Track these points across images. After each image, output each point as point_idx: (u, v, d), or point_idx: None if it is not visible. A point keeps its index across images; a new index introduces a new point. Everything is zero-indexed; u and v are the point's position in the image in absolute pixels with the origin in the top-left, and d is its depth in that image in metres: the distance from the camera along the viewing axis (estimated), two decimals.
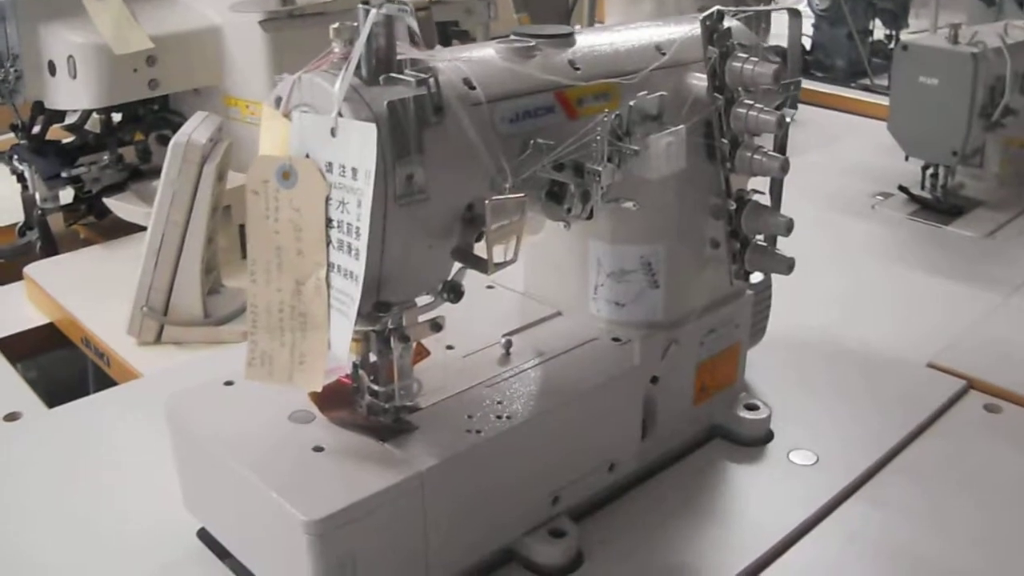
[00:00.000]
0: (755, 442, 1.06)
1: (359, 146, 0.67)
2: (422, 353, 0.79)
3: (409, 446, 0.79)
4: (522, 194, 0.73)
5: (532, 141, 0.77)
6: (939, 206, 1.68)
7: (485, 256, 0.75)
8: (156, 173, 1.49)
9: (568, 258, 0.99)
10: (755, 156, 0.92)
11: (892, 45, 2.48)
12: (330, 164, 0.70)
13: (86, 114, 1.57)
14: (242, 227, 1.46)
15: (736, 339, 1.06)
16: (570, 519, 0.90)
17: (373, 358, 0.80)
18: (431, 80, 0.71)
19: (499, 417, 0.83)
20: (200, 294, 1.24)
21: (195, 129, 1.19)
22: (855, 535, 0.94)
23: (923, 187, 1.71)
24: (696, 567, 0.89)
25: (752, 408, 1.07)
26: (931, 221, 1.65)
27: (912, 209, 1.70)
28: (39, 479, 1.01)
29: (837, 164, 1.95)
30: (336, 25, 0.72)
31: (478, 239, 0.77)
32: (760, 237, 0.99)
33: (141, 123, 1.56)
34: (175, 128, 1.53)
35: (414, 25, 0.70)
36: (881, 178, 1.81)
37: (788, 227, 0.95)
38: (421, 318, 0.77)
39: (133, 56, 1.42)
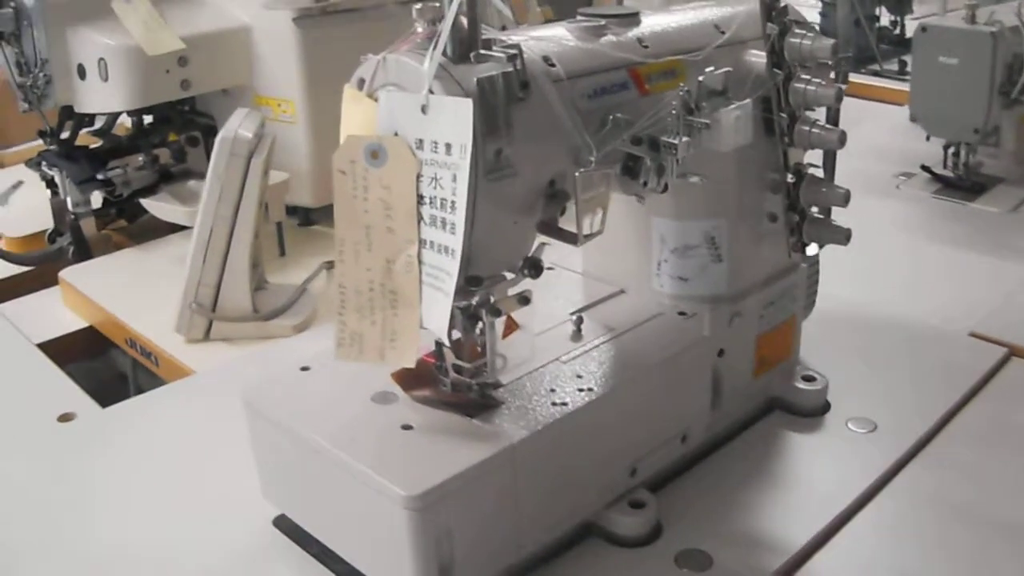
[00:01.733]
0: (813, 412, 1.07)
1: (453, 121, 0.68)
2: (512, 327, 0.80)
3: (497, 421, 0.81)
4: (607, 167, 0.74)
5: (611, 116, 0.78)
6: (962, 184, 1.70)
7: (571, 229, 0.76)
8: (188, 175, 1.52)
9: (629, 237, 1.00)
10: (813, 129, 0.94)
11: (897, 31, 2.51)
12: (420, 141, 0.71)
13: (113, 118, 1.58)
14: (280, 225, 1.48)
15: (791, 312, 1.07)
16: (647, 491, 0.91)
17: (456, 335, 0.81)
18: (517, 57, 0.72)
19: (581, 390, 0.84)
20: (249, 289, 1.25)
21: (240, 124, 1.20)
22: (918, 498, 0.96)
23: (945, 166, 1.73)
24: (769, 533, 0.90)
25: (809, 380, 1.08)
26: (955, 199, 1.67)
27: (935, 188, 1.72)
28: (103, 477, 1.02)
29: (857, 147, 1.94)
30: (419, 6, 0.73)
31: (561, 214, 0.78)
32: (815, 210, 1.01)
33: (172, 125, 1.56)
34: (204, 130, 1.55)
35: (503, 7, 0.71)
36: (902, 159, 1.83)
37: (846, 198, 0.96)
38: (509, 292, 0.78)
39: (165, 57, 1.43)
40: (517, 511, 0.80)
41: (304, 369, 0.89)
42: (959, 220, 1.61)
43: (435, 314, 0.73)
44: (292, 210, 1.57)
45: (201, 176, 1.52)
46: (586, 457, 0.85)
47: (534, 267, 0.80)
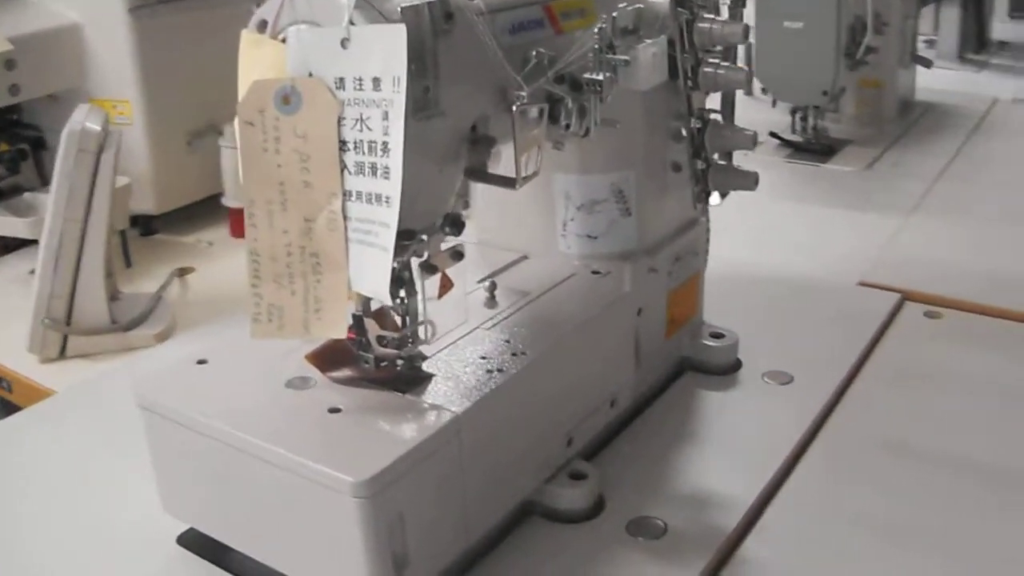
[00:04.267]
0: (726, 370, 1.04)
1: (384, 52, 0.61)
2: (447, 285, 0.73)
3: (432, 393, 0.73)
4: (544, 103, 0.69)
5: (534, 52, 0.73)
6: (812, 147, 1.72)
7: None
8: (18, 190, 1.38)
9: (529, 199, 0.94)
10: (719, 71, 0.91)
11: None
12: (341, 80, 0.63)
13: None
14: (123, 233, 1.36)
15: (696, 268, 1.04)
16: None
17: (375, 306, 0.73)
18: None
19: (514, 354, 0.78)
20: (105, 298, 1.13)
21: (86, 117, 1.08)
22: (850, 441, 0.94)
23: (793, 131, 1.75)
24: (716, 493, 0.86)
25: (718, 336, 1.05)
26: (809, 162, 1.69)
27: (786, 153, 1.74)
28: None
29: None
30: None
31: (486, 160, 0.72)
32: (716, 157, 0.98)
33: (1, 136, 1.42)
34: (32, 142, 1.42)
35: None
36: (748, 127, 1.83)
37: (754, 140, 0.94)
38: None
39: None
40: (464, 492, 0.73)
41: (201, 363, 0.79)
42: (819, 180, 1.63)
43: (371, 274, 0.65)
44: (133, 219, 1.45)
45: (33, 189, 1.40)
46: (525, 427, 0.79)
47: (455, 224, 0.73)
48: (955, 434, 0.94)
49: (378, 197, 0.64)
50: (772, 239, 1.39)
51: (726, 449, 0.92)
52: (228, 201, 1.44)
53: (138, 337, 1.16)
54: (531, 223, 0.96)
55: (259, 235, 0.68)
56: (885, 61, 1.80)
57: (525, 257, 0.96)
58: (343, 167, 0.65)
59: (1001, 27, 2.65)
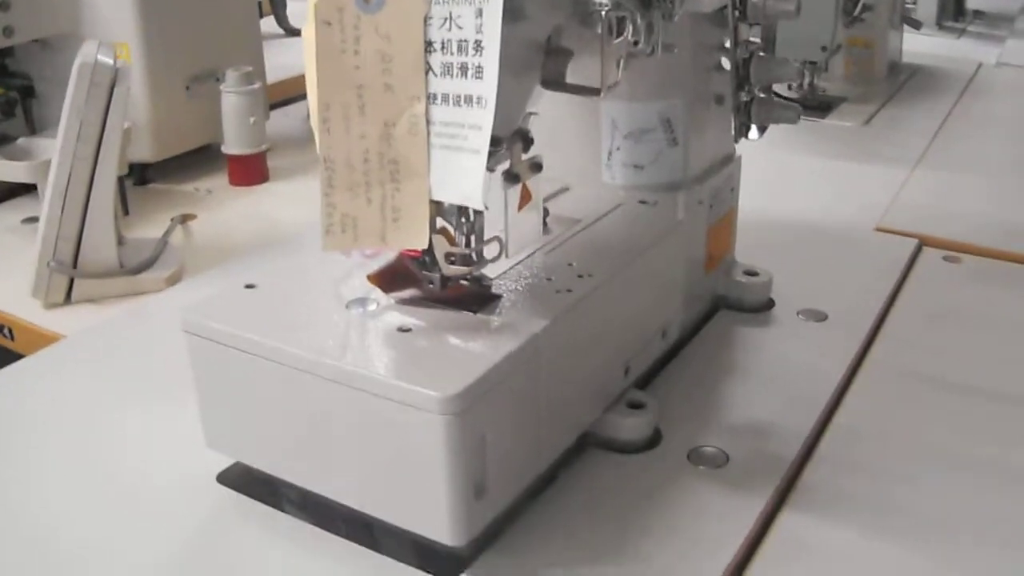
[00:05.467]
0: (761, 308, 1.04)
1: None
2: (527, 196, 0.70)
3: (505, 312, 0.71)
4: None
5: None
6: (810, 103, 1.72)
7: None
8: (6, 139, 1.33)
9: (571, 128, 0.92)
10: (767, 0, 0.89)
11: None
12: None
13: None
14: (122, 180, 1.31)
15: (731, 205, 1.02)
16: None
17: (441, 224, 0.70)
18: None
19: (580, 276, 0.76)
20: (114, 241, 1.09)
21: (98, 51, 1.04)
22: (892, 375, 0.93)
23: (790, 87, 1.74)
24: (771, 424, 0.84)
25: (752, 274, 1.04)
26: (808, 117, 1.69)
27: None
28: None
29: None
30: None
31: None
32: (759, 90, 0.96)
33: None
34: (22, 91, 1.36)
35: None
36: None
37: (800, 72, 0.93)
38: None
39: None
40: (538, 414, 0.70)
41: (249, 287, 0.76)
42: (821, 134, 1.63)
43: (460, 179, 0.62)
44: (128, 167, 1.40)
45: (28, 135, 1.35)
46: (592, 352, 0.76)
47: (524, 139, 0.70)
48: (986, 369, 0.94)
49: (468, 99, 0.61)
50: (784, 189, 1.38)
51: (773, 383, 0.91)
52: (228, 149, 1.40)
53: (148, 280, 1.12)
54: (573, 152, 0.93)
55: (334, 142, 0.65)
56: (876, 22, 1.81)
57: (565, 188, 0.93)
58: (428, 68, 0.62)
59: None
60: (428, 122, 0.63)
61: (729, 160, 1.00)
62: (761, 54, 0.94)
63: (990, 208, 1.32)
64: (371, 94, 0.63)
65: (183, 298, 1.08)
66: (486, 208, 0.64)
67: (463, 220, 0.69)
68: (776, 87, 1.75)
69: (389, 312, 0.71)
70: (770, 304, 1.04)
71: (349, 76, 0.63)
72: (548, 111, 0.76)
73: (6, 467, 0.82)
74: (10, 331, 1.09)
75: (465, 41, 0.60)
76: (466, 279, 0.72)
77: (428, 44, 0.62)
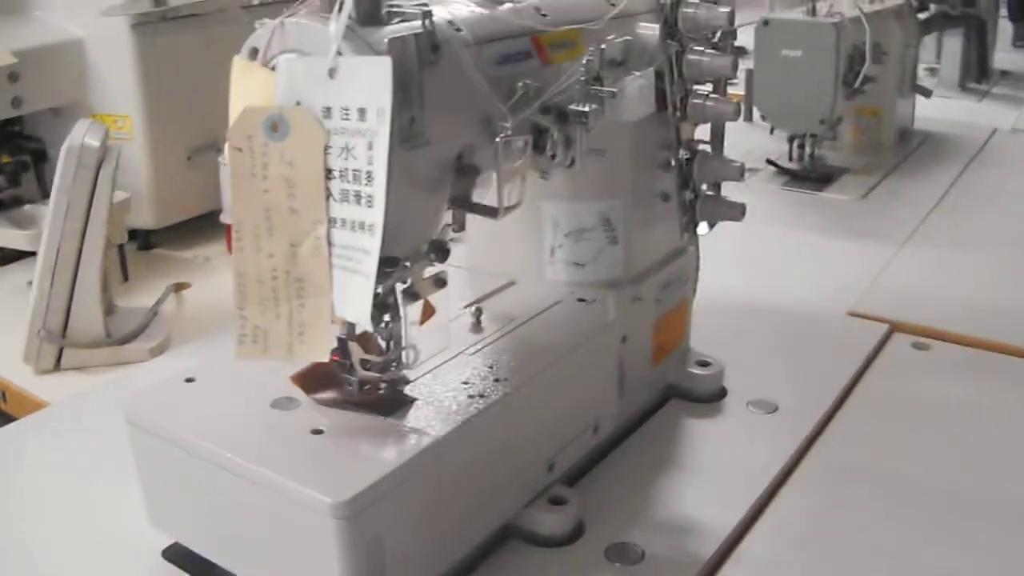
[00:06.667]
0: (712, 398, 1.05)
1: (369, 84, 0.62)
2: (429, 312, 0.74)
3: (414, 417, 0.74)
4: (528, 134, 0.70)
5: (520, 83, 0.74)
6: (809, 175, 1.74)
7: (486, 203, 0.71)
8: (19, 202, 1.40)
9: (517, 225, 0.96)
10: (707, 102, 0.92)
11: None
12: (328, 109, 0.65)
13: None
14: (122, 248, 1.37)
15: (684, 296, 1.05)
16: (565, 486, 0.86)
17: (360, 330, 0.74)
18: (428, 18, 0.66)
19: (496, 380, 0.79)
20: (101, 312, 1.15)
21: (86, 133, 1.10)
22: (834, 472, 0.95)
23: (791, 159, 1.76)
24: (695, 520, 0.87)
25: (704, 364, 1.06)
26: (805, 189, 1.71)
27: (783, 180, 1.75)
28: None
29: None
30: None
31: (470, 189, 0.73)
32: (704, 187, 0.99)
33: (2, 147, 1.43)
34: (34, 155, 1.43)
35: None
36: (745, 155, 1.85)
37: (741, 172, 0.95)
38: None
39: None
40: (442, 514, 0.74)
41: (189, 381, 0.81)
42: (814, 208, 1.64)
43: (354, 300, 0.66)
44: (132, 233, 1.47)
45: (34, 201, 1.42)
46: (505, 453, 0.80)
47: (439, 250, 0.74)
48: (939, 465, 0.95)
49: (361, 225, 0.65)
50: (765, 267, 1.40)
51: (708, 477, 0.93)
52: (226, 218, 1.45)
53: (132, 351, 1.17)
54: (519, 249, 0.97)
55: (245, 258, 0.69)
56: (884, 90, 1.82)
57: (513, 283, 0.97)
58: (328, 194, 0.66)
59: (1004, 56, 2.67)
60: (330, 244, 0.67)
61: (680, 253, 1.02)
62: (708, 152, 0.97)
63: (972, 292, 1.32)
64: (278, 216, 0.68)
65: (167, 368, 1.14)
66: (384, 325, 0.68)
67: (383, 326, 0.73)
68: (775, 157, 1.77)
69: (308, 412, 0.75)
70: (722, 394, 1.06)
71: (258, 199, 0.68)
72: None
73: None
74: (3, 394, 1.15)
75: (358, 171, 0.64)
76: (382, 383, 0.75)
77: (328, 171, 0.66)
